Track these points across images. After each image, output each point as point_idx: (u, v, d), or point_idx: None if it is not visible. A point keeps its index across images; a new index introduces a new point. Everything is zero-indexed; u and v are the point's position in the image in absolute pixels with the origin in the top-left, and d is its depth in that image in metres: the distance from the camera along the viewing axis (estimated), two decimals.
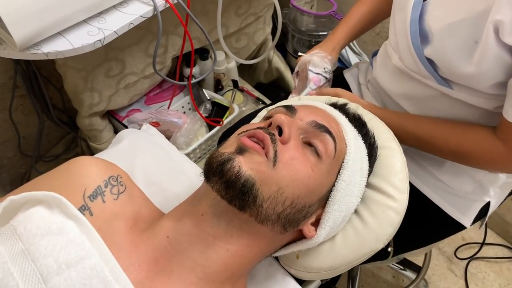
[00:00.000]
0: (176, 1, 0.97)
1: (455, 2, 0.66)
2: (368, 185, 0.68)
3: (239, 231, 0.56)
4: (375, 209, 0.65)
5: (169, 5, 0.95)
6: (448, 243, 1.56)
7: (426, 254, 1.39)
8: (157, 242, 0.55)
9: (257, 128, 0.57)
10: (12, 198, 0.53)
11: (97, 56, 1.07)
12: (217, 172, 0.53)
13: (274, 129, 0.57)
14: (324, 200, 0.60)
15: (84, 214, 0.53)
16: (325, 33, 1.47)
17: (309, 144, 0.59)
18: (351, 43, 1.53)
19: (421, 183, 0.84)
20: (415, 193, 0.83)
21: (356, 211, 0.67)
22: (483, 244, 1.45)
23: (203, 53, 1.36)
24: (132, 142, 0.81)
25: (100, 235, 0.51)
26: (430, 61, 0.71)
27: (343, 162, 0.61)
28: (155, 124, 1.18)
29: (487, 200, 0.84)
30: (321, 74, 0.91)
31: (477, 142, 0.72)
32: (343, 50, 1.52)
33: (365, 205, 0.66)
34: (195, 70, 1.34)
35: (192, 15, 1.00)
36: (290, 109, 0.62)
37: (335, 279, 1.04)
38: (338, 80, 1.05)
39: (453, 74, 0.69)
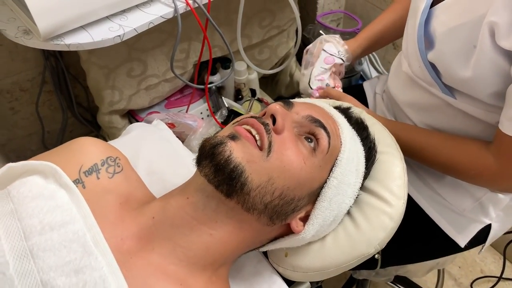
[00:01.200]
0: (197, 5, 1.00)
1: (460, 6, 0.65)
2: (364, 189, 0.67)
3: (224, 217, 0.56)
4: (368, 213, 0.64)
5: (189, 8, 0.98)
6: (466, 275, 1.50)
7: (438, 283, 1.33)
8: (143, 222, 0.56)
9: (251, 117, 0.58)
10: (11, 165, 0.55)
11: (120, 55, 1.12)
12: (208, 155, 0.54)
13: (268, 118, 0.58)
14: (314, 196, 0.59)
15: (77, 186, 0.55)
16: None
17: (303, 137, 0.59)
18: (375, 63, 1.53)
19: (418, 194, 0.82)
20: (410, 204, 0.80)
21: (349, 213, 0.65)
22: (500, 278, 1.38)
23: (225, 62, 1.38)
24: (140, 134, 0.84)
25: (89, 206, 0.53)
26: (433, 67, 0.70)
27: (336, 159, 0.60)
28: (171, 125, 1.21)
29: (488, 222, 0.81)
30: (334, 56, 0.91)
31: (467, 155, 0.70)
32: (367, 69, 1.52)
33: (359, 208, 0.65)
34: (216, 78, 1.37)
35: (211, 19, 1.02)
36: (287, 103, 0.62)
37: None
38: (356, 89, 1.05)
39: (452, 78, 0.68)
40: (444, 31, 0.67)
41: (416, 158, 0.78)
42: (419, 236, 0.83)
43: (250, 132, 0.56)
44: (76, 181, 0.58)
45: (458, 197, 0.80)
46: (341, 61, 0.93)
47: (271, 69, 1.36)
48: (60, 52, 1.24)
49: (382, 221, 0.63)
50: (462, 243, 0.80)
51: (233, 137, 0.55)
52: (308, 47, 0.99)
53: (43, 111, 1.37)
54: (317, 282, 0.72)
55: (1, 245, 0.46)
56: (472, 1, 0.64)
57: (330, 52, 0.92)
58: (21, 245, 0.47)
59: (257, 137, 0.56)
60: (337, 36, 0.98)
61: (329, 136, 0.59)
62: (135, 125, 0.89)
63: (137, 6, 0.96)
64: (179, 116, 1.23)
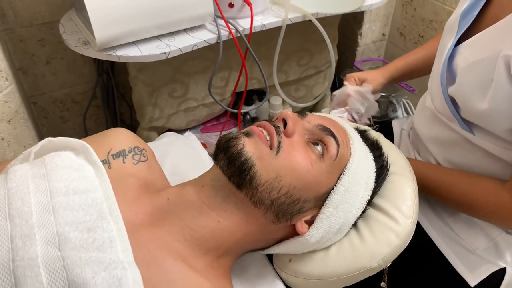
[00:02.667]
0: (239, 35, 1.08)
1: (481, 43, 0.68)
2: (374, 205, 0.68)
3: (233, 208, 0.59)
4: (375, 228, 0.65)
5: (232, 36, 1.07)
6: None
7: None
8: (157, 202, 0.61)
9: (265, 120, 0.63)
10: (50, 138, 0.62)
11: (165, 75, 1.21)
12: (223, 148, 0.59)
13: (279, 122, 0.62)
14: (321, 201, 0.61)
15: (103, 166, 0.61)
16: (383, 94, 1.51)
17: (312, 144, 0.62)
18: (409, 110, 1.55)
19: (430, 226, 0.81)
20: (421, 236, 0.81)
21: (356, 227, 0.67)
22: None
23: (261, 95, 1.46)
24: (171, 140, 0.91)
25: (112, 184, 0.58)
26: (453, 102, 0.73)
27: (345, 168, 0.63)
28: (203, 145, 1.27)
29: (502, 265, 0.78)
30: (351, 115, 0.95)
31: (482, 192, 0.71)
32: (401, 116, 1.54)
33: (366, 223, 0.66)
34: (252, 108, 1.44)
35: (250, 48, 1.10)
36: (301, 113, 0.67)
37: None
38: (384, 125, 1.08)
39: (470, 112, 0.70)
40: (465, 66, 0.70)
41: (432, 196, 0.79)
42: (428, 270, 0.81)
43: (263, 133, 0.60)
44: (104, 161, 0.64)
45: (471, 234, 0.79)
46: (354, 119, 0.97)
47: (307, 109, 1.41)
48: (112, 69, 1.35)
49: (388, 237, 0.64)
50: (473, 282, 0.77)
51: (247, 134, 0.60)
52: (334, 92, 1.04)
53: (89, 123, 1.48)
54: None
55: (29, 199, 0.52)
56: (491, 38, 0.67)
57: (351, 108, 0.97)
58: (46, 201, 0.52)
59: (268, 138, 0.60)
60: (365, 89, 0.99)
61: (338, 144, 0.62)
62: (169, 133, 0.96)
63: (185, 30, 1.06)
64: (211, 138, 1.29)
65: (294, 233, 0.63)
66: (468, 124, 0.73)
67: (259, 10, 1.14)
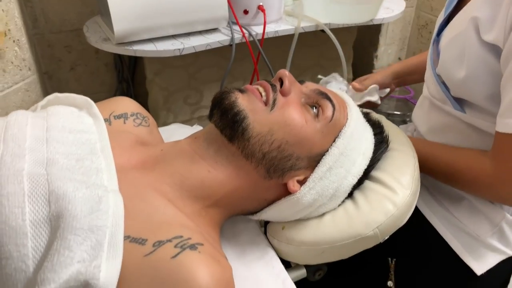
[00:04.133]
0: (252, 39, 1.12)
1: (459, 18, 0.70)
2: (372, 178, 0.67)
3: (224, 160, 0.59)
4: (371, 197, 0.64)
5: (245, 40, 1.11)
6: None
7: None
8: (151, 151, 0.61)
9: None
10: (57, 94, 0.65)
11: (180, 81, 1.26)
12: (217, 101, 0.60)
13: (276, 81, 0.63)
14: (315, 163, 0.61)
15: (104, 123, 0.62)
16: (398, 113, 1.51)
17: (309, 106, 0.62)
18: None
19: (433, 215, 0.78)
20: (424, 226, 0.78)
21: (352, 197, 0.65)
22: None
23: None
24: (177, 127, 0.92)
25: (109, 135, 0.59)
26: (442, 80, 0.73)
27: (340, 132, 0.62)
28: None
29: (510, 254, 0.74)
30: None
31: (465, 160, 0.69)
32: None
33: (362, 193, 0.65)
34: None
35: (262, 52, 1.14)
36: (300, 81, 0.67)
37: None
38: None
39: (454, 85, 0.70)
40: (445, 43, 0.71)
41: (421, 170, 0.76)
42: (433, 261, 0.77)
43: (258, 91, 0.61)
44: (105, 120, 0.66)
45: (474, 220, 0.75)
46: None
47: None
48: (132, 79, 1.41)
49: (384, 206, 0.62)
50: (479, 271, 0.73)
51: (241, 90, 0.61)
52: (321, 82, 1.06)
53: None
54: (313, 274, 0.68)
55: (25, 129, 0.54)
56: (465, 12, 0.68)
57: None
58: (41, 134, 0.54)
59: (263, 94, 0.61)
60: (336, 74, 1.04)
61: (334, 107, 0.62)
62: (177, 124, 0.98)
63: (200, 32, 1.11)
64: None
65: (286, 194, 0.61)
66: (460, 103, 0.73)
67: (273, 18, 1.18)
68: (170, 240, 0.46)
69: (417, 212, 0.78)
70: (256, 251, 0.64)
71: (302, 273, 0.67)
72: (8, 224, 0.43)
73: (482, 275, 0.73)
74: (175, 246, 0.45)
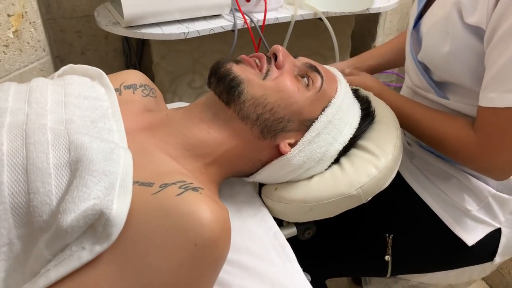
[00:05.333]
0: (253, 25, 1.19)
1: (439, 4, 0.75)
2: (358, 146, 0.73)
3: (222, 123, 0.66)
4: (356, 161, 0.70)
5: (246, 26, 1.17)
6: None
7: None
8: (157, 116, 0.69)
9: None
10: (72, 65, 0.72)
11: (186, 65, 1.32)
12: (214, 70, 0.66)
13: (271, 55, 0.69)
14: (305, 127, 0.67)
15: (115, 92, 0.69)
16: None
17: (300, 77, 0.69)
18: None
19: (424, 192, 0.84)
20: (417, 203, 0.84)
21: (338, 162, 0.72)
22: None
23: None
24: (181, 103, 0.99)
25: (119, 104, 0.66)
26: (425, 70, 0.78)
27: (330, 102, 0.69)
28: None
29: (497, 226, 0.81)
30: None
31: (453, 129, 0.74)
32: None
33: (348, 159, 0.71)
34: None
35: (263, 38, 1.20)
36: (294, 55, 0.74)
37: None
38: None
39: (437, 64, 0.74)
40: (427, 30, 0.77)
41: (413, 130, 0.81)
42: (427, 237, 0.84)
43: (254, 61, 0.68)
44: (116, 90, 0.73)
45: (463, 196, 0.81)
46: None
47: None
48: (139, 63, 1.48)
49: (367, 169, 0.68)
50: (470, 242, 0.79)
51: (236, 61, 0.68)
52: None
53: None
54: (303, 233, 0.75)
55: (46, 94, 0.61)
56: None
57: None
58: (60, 99, 0.61)
59: (258, 63, 0.67)
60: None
61: (322, 78, 0.68)
62: (181, 102, 1.04)
63: (204, 18, 1.17)
64: None
65: (278, 156, 0.68)
66: (443, 90, 0.78)
67: (274, 6, 1.25)
68: (174, 183, 0.53)
69: (410, 191, 0.85)
70: (250, 210, 0.71)
71: (293, 231, 0.74)
72: (35, 165, 0.50)
73: (472, 246, 0.80)
74: (179, 187, 0.52)
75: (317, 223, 0.74)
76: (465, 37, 0.68)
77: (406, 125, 0.81)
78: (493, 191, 0.80)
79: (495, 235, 0.81)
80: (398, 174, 0.80)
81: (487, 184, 0.81)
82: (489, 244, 0.82)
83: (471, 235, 0.80)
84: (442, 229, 0.82)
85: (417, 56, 0.80)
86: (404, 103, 0.82)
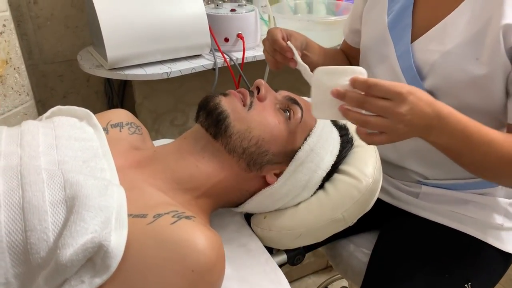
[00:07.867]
0: (233, 63, 1.24)
1: (448, 33, 0.75)
2: (340, 171, 0.77)
3: (210, 156, 0.69)
4: (339, 186, 0.73)
5: (226, 64, 1.22)
6: None
7: None
8: (145, 153, 0.71)
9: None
10: (59, 106, 0.74)
11: (168, 104, 1.36)
12: (203, 105, 0.70)
13: (254, 89, 0.74)
14: (289, 158, 0.71)
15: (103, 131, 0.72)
16: None
17: (282, 110, 0.73)
18: None
19: (439, 217, 0.86)
20: (434, 228, 0.85)
21: (323, 188, 0.75)
22: None
23: None
24: (165, 140, 1.01)
25: (108, 142, 0.68)
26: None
27: (311, 131, 0.72)
28: None
29: None
30: None
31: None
32: None
33: (332, 183, 0.75)
34: None
35: (243, 75, 1.25)
36: (275, 90, 0.78)
37: None
38: None
39: (449, 91, 0.74)
40: (439, 57, 0.74)
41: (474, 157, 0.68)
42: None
43: (238, 94, 0.72)
44: (103, 129, 0.75)
45: (483, 213, 0.83)
46: None
47: None
48: (121, 105, 1.51)
49: (351, 193, 0.72)
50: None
51: (224, 94, 0.71)
52: None
53: None
54: (293, 259, 0.76)
55: (38, 137, 0.63)
56: (455, 24, 0.73)
57: None
58: (51, 141, 0.63)
59: (242, 98, 0.71)
60: None
61: (302, 110, 0.72)
62: (165, 139, 1.07)
63: (185, 58, 1.22)
64: None
65: (265, 186, 0.71)
66: None
67: (251, 45, 1.31)
68: (167, 213, 0.55)
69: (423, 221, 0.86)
70: (242, 239, 0.73)
71: (283, 258, 0.76)
72: (32, 204, 0.51)
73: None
74: (173, 216, 0.54)
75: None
76: (505, 61, 0.69)
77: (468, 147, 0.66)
78: (507, 200, 0.84)
79: None
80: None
81: (498, 196, 0.84)
82: None
83: (507, 244, 0.83)
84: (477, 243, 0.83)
85: (423, 83, 0.77)
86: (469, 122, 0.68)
